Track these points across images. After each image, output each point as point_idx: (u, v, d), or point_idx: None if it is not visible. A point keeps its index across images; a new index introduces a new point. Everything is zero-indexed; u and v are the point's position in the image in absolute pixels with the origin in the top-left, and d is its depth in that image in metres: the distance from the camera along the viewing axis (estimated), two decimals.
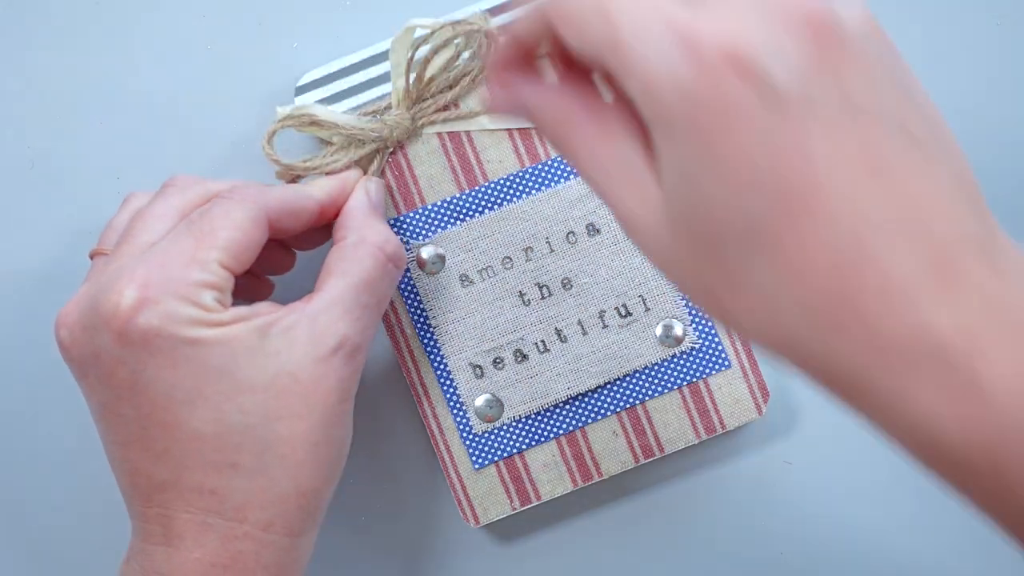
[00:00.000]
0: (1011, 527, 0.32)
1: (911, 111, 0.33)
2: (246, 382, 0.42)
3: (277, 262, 0.50)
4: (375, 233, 0.46)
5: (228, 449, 0.42)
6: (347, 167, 0.50)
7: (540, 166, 0.51)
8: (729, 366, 0.50)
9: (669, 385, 0.51)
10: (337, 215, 0.48)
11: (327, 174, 0.50)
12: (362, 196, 0.48)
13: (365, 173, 0.50)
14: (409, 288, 0.51)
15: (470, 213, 0.51)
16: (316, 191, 0.48)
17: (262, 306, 0.44)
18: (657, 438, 0.51)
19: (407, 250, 0.51)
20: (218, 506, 0.42)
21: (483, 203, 0.51)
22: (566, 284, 0.51)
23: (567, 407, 0.51)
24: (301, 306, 0.44)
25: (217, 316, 0.43)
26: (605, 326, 0.50)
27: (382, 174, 0.51)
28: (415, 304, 0.51)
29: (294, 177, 0.50)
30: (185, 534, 0.42)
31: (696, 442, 0.51)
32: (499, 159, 0.51)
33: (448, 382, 0.51)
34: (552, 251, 0.51)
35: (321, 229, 0.49)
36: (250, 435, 0.42)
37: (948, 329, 0.31)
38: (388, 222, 0.51)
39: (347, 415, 0.45)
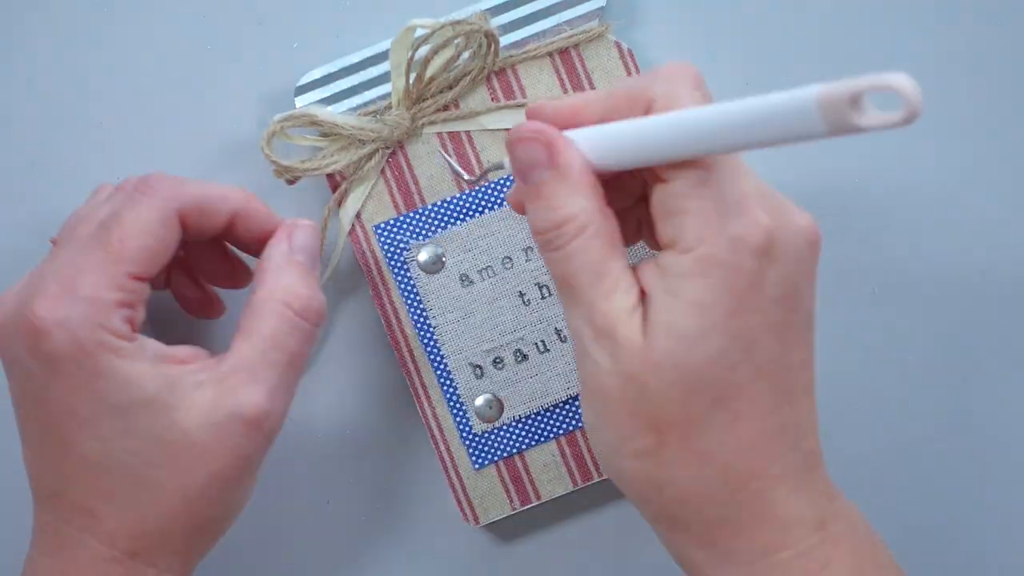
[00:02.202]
0: None
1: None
2: (137, 427, 0.43)
3: (236, 274, 0.50)
4: (282, 288, 0.45)
5: (107, 478, 0.43)
6: (346, 167, 0.50)
7: None
8: None
9: None
10: (249, 233, 0.47)
11: (327, 176, 0.50)
12: (281, 244, 0.46)
13: (362, 169, 0.50)
14: (409, 288, 0.51)
15: (470, 213, 0.51)
16: (240, 196, 0.47)
17: (182, 351, 0.44)
18: None
19: (406, 250, 0.51)
20: (94, 527, 0.43)
21: (483, 203, 0.51)
22: None
23: (567, 407, 0.51)
24: (214, 364, 0.44)
25: (125, 344, 0.43)
26: None
27: (382, 173, 0.51)
28: (415, 304, 0.51)
29: (293, 178, 0.50)
30: (65, 546, 0.43)
31: None
32: (499, 159, 0.51)
33: (448, 382, 0.51)
34: None
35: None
36: (130, 474, 0.43)
37: (811, 518, 0.39)
38: (388, 223, 0.51)
39: (239, 481, 0.44)
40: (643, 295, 0.39)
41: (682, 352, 0.38)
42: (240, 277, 0.51)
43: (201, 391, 0.43)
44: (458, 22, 0.48)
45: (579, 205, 0.39)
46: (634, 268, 0.40)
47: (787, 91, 0.34)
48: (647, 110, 0.39)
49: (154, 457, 0.43)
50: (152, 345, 0.44)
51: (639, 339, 0.38)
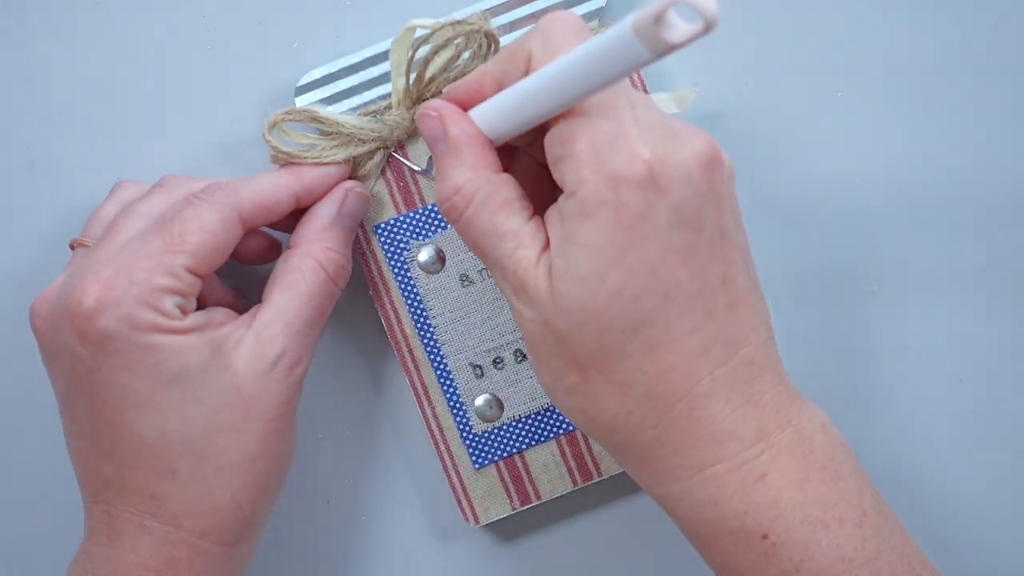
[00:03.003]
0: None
1: (747, 250, 0.42)
2: (194, 394, 0.43)
3: (262, 252, 0.51)
4: (322, 249, 0.47)
5: (168, 456, 0.43)
6: (346, 160, 0.50)
7: None
8: None
9: None
10: (314, 200, 0.49)
11: None
12: (333, 204, 0.48)
13: (362, 169, 0.50)
14: (409, 288, 0.51)
15: None
16: (294, 181, 0.48)
17: (218, 313, 0.45)
18: None
19: (406, 250, 0.51)
20: (156, 510, 0.43)
21: None
22: None
23: None
24: (249, 319, 0.45)
25: (176, 323, 0.43)
26: None
27: (382, 173, 0.51)
28: (415, 304, 0.51)
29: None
30: (124, 534, 0.44)
31: None
32: None
33: (448, 382, 0.51)
34: None
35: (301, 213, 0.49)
36: (190, 445, 0.43)
37: (749, 431, 0.40)
38: (388, 222, 0.51)
39: (286, 429, 0.45)
40: (548, 244, 0.40)
41: (584, 294, 0.39)
42: (274, 253, 0.51)
43: (243, 347, 0.44)
44: (458, 22, 0.48)
45: (463, 176, 0.42)
46: (543, 218, 0.41)
47: (610, 28, 0.36)
48: (527, 65, 0.41)
49: (213, 422, 0.43)
50: (197, 316, 0.44)
51: (546, 288, 0.40)
